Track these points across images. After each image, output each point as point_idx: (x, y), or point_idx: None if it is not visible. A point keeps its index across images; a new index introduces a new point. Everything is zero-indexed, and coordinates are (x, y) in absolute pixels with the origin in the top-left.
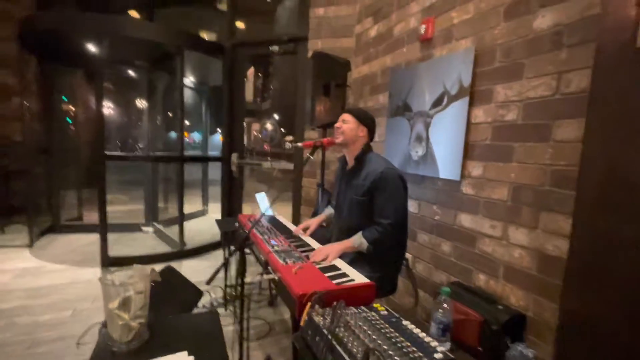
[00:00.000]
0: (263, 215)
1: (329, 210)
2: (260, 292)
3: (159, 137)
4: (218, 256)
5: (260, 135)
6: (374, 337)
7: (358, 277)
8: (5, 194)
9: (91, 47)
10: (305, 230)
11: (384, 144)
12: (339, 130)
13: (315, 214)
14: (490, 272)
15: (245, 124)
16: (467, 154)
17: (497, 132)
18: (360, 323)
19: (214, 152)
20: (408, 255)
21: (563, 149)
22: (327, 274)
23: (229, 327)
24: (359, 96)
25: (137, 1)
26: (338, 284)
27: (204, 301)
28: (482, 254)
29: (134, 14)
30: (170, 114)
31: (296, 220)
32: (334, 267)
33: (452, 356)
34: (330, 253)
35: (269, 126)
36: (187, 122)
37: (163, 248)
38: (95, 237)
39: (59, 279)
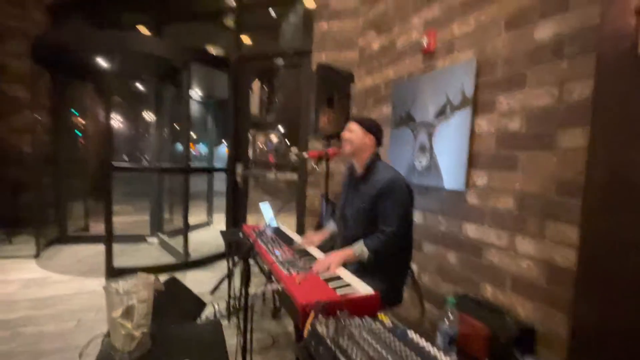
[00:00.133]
0: (267, 225)
1: (332, 226)
2: (263, 304)
3: (165, 149)
4: (222, 267)
5: (265, 147)
6: (378, 348)
7: (362, 288)
8: (14, 205)
9: (101, 62)
10: (309, 243)
11: (387, 154)
12: (346, 140)
13: (319, 224)
14: (497, 283)
15: (250, 136)
16: (472, 164)
17: (501, 141)
18: (364, 334)
19: (219, 164)
20: (413, 266)
21: (568, 157)
22: (331, 284)
23: (232, 339)
24: (363, 107)
25: (146, 18)
26: (342, 294)
27: (208, 313)
28: (489, 264)
29: (143, 30)
30: (176, 126)
31: (300, 231)
32: (338, 278)
33: None
34: (332, 263)
35: (273, 138)
36: (193, 135)
37: (167, 259)
38: (101, 248)
39: (64, 290)
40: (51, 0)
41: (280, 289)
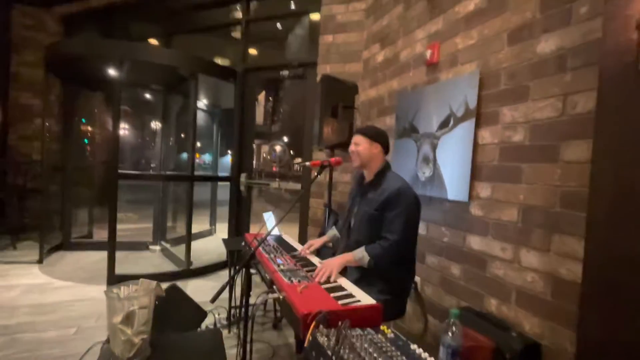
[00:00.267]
0: (269, 233)
1: (333, 232)
2: (264, 314)
3: (171, 158)
4: (224, 276)
5: (269, 157)
6: None
7: (364, 298)
8: (20, 211)
9: (112, 72)
10: (309, 247)
11: (391, 165)
12: (354, 154)
13: (322, 235)
14: (502, 296)
15: (255, 146)
16: (475, 175)
17: (505, 153)
18: (365, 345)
19: (223, 174)
20: (417, 278)
21: (572, 169)
22: (332, 294)
23: (232, 350)
24: (367, 118)
25: (155, 30)
26: (344, 304)
27: (208, 322)
28: (493, 277)
29: (152, 41)
30: (182, 135)
31: (303, 240)
32: (340, 288)
33: None
34: (332, 268)
35: (278, 148)
36: (198, 144)
37: (169, 267)
38: (103, 255)
39: (65, 296)
40: (64, 12)
41: (281, 297)
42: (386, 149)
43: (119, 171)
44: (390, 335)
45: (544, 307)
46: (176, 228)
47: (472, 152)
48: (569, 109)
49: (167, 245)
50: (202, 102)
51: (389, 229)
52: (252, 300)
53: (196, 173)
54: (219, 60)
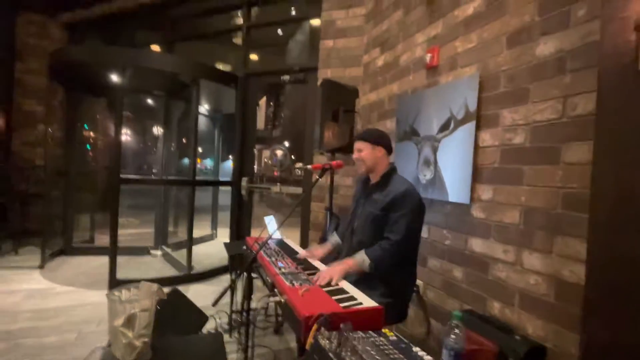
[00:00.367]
0: (270, 237)
1: (336, 238)
2: (266, 319)
3: (173, 163)
4: (225, 281)
5: (270, 162)
6: None
7: (366, 301)
8: (22, 216)
9: (114, 78)
10: (312, 256)
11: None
12: (358, 161)
13: (323, 238)
14: (505, 299)
15: (256, 151)
16: (476, 177)
17: (506, 155)
18: (367, 347)
19: (224, 179)
20: (419, 282)
21: (573, 171)
22: (334, 297)
23: (233, 355)
24: (367, 122)
25: (157, 37)
26: (345, 307)
27: (209, 327)
28: (496, 280)
29: (155, 47)
30: (184, 141)
31: (304, 245)
32: (341, 290)
33: None
34: (334, 275)
35: (279, 153)
36: (200, 149)
37: (170, 271)
38: (105, 260)
39: (66, 301)
40: (68, 20)
41: (282, 300)
42: (389, 150)
43: (121, 176)
44: (393, 337)
45: (548, 310)
46: (177, 233)
47: (473, 154)
48: (569, 111)
49: (169, 250)
50: (204, 108)
51: (391, 229)
52: (253, 305)
53: (197, 178)
54: (221, 66)
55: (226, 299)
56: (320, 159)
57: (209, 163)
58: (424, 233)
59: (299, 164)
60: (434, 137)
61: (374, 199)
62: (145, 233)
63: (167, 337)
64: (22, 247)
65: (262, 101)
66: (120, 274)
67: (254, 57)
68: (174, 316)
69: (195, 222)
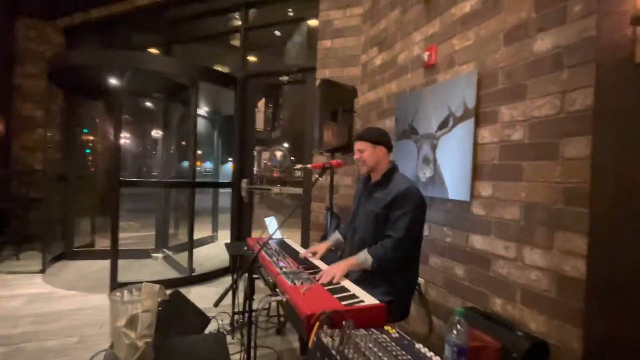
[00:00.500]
0: (271, 237)
1: (337, 236)
2: (268, 320)
3: (172, 166)
4: (226, 282)
5: (270, 164)
6: (385, 359)
7: (368, 299)
8: (23, 221)
9: (113, 81)
10: (313, 254)
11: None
12: (359, 162)
13: (324, 238)
14: (506, 296)
15: (255, 153)
16: (476, 174)
17: (505, 151)
18: (370, 345)
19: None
20: (420, 280)
21: (573, 166)
22: (336, 295)
23: (235, 355)
24: (366, 121)
25: (155, 39)
26: (347, 304)
27: (211, 328)
28: (497, 276)
29: (153, 50)
30: (183, 143)
31: (305, 245)
32: (343, 289)
33: None
34: (336, 273)
35: (278, 154)
36: (199, 151)
37: (172, 274)
38: (106, 264)
39: (67, 305)
40: (66, 24)
41: (284, 300)
42: (390, 149)
43: (121, 178)
44: (395, 335)
45: (550, 305)
46: (178, 235)
47: (472, 151)
48: (567, 106)
49: (170, 253)
50: (203, 110)
51: (393, 227)
52: (255, 305)
53: (198, 180)
54: (219, 68)
55: (228, 300)
56: (320, 159)
57: (208, 165)
58: (425, 231)
59: (299, 166)
60: (433, 135)
61: (376, 198)
62: (146, 236)
63: (169, 338)
64: (22, 252)
65: (261, 103)
66: (122, 277)
67: (252, 58)
68: (176, 317)
69: (196, 225)
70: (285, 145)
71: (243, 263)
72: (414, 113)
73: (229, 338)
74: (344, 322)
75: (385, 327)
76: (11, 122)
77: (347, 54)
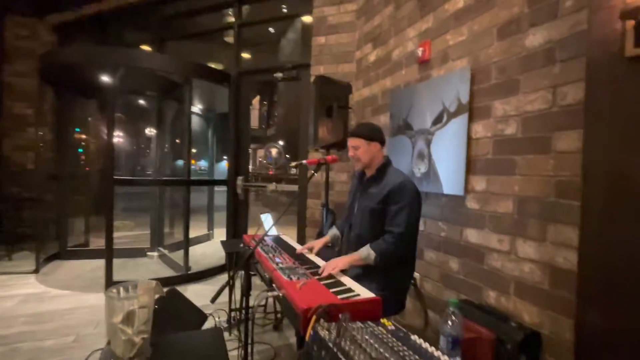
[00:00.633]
0: (267, 233)
1: (334, 231)
2: (265, 316)
3: (167, 164)
4: (223, 280)
5: (265, 161)
6: (381, 350)
7: (363, 292)
8: (15, 221)
9: (106, 79)
10: (310, 250)
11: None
12: (354, 158)
13: (320, 234)
14: (500, 288)
15: (250, 150)
16: (470, 169)
17: (498, 146)
18: (367, 337)
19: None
20: (416, 274)
21: (565, 159)
22: (332, 290)
23: (233, 352)
24: (361, 117)
25: (148, 36)
26: (343, 298)
27: (208, 325)
28: (491, 269)
29: (145, 47)
30: (178, 141)
31: (301, 241)
32: (339, 283)
33: None
34: (338, 264)
35: (273, 151)
36: (194, 150)
37: (168, 272)
38: (100, 263)
39: (62, 305)
40: (57, 21)
41: (281, 295)
42: (383, 143)
43: (115, 177)
44: (391, 327)
45: (542, 297)
46: (174, 234)
47: (466, 146)
48: (559, 100)
49: (165, 251)
50: (197, 107)
51: (392, 222)
52: (252, 302)
53: (192, 178)
54: (213, 65)
55: (224, 297)
56: (315, 156)
57: (203, 164)
58: (420, 226)
59: (294, 162)
60: (427, 130)
61: (371, 193)
62: (141, 235)
63: (166, 334)
64: (16, 252)
65: (256, 100)
66: (117, 276)
67: (246, 55)
68: (173, 314)
69: (191, 223)
70: (280, 142)
71: (239, 260)
72: (409, 109)
73: (226, 335)
74: (340, 316)
75: (381, 320)
76: (2, 121)
77: (342, 50)
